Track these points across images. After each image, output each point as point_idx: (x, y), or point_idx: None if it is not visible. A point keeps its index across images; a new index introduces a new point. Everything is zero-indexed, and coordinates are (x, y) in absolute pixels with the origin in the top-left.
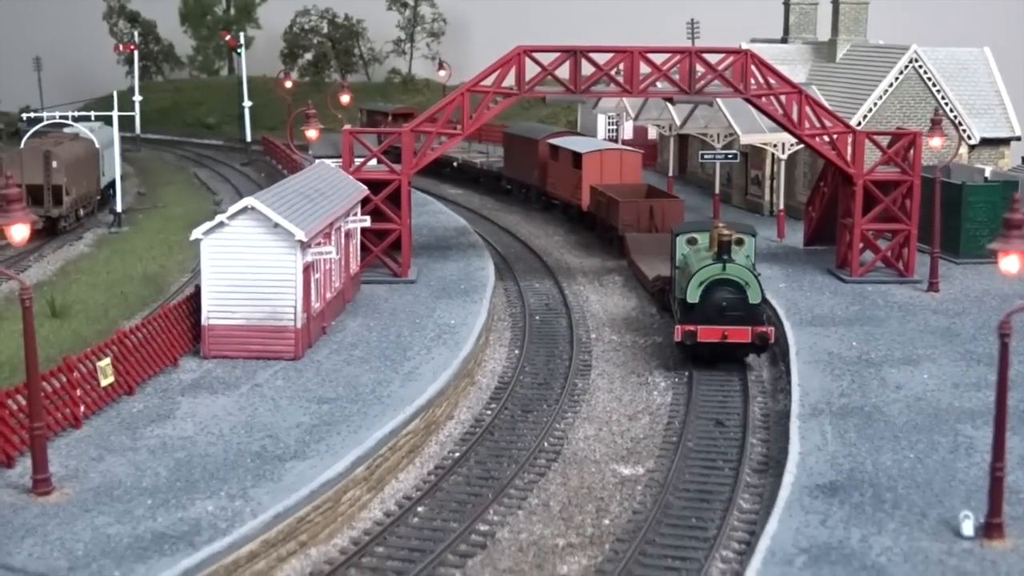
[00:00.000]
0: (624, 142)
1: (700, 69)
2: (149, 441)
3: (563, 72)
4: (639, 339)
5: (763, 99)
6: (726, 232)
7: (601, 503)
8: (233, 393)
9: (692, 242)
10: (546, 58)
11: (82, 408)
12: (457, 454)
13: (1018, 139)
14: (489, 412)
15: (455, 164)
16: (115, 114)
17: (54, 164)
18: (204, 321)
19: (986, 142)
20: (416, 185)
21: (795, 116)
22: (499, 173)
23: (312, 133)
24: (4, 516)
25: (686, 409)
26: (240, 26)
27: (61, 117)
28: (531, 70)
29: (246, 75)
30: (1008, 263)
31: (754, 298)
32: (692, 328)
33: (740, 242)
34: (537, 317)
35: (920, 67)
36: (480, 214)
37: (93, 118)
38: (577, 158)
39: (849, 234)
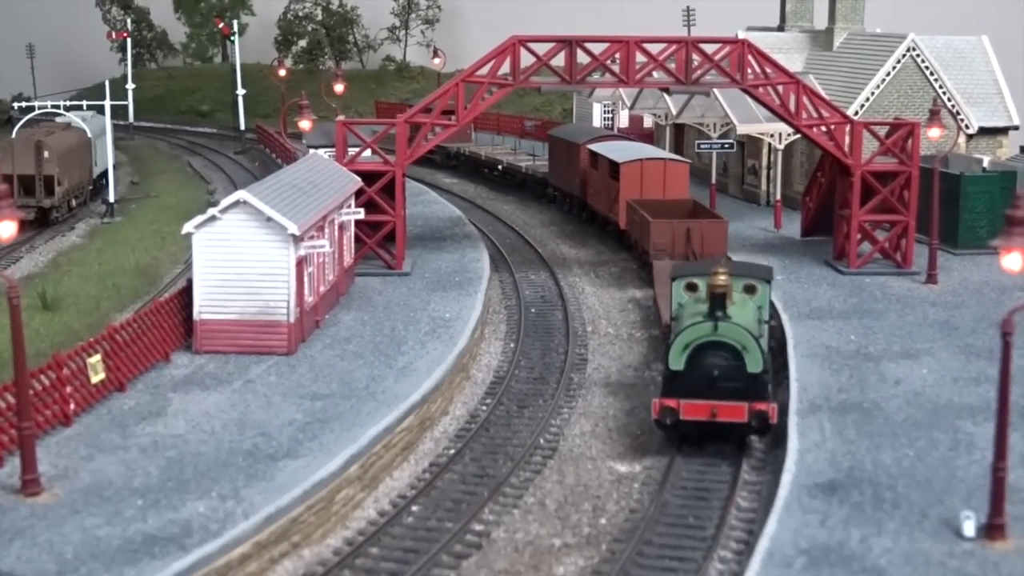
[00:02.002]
0: (620, 131)
1: (696, 59)
2: (140, 439)
3: (558, 62)
4: (635, 332)
5: (760, 89)
6: (721, 281)
7: (598, 502)
8: (225, 389)
9: (692, 288)
10: (541, 48)
11: (72, 405)
12: (452, 451)
13: (1016, 128)
14: (484, 408)
15: (500, 168)
16: (107, 103)
17: (46, 154)
18: (196, 316)
19: (984, 131)
20: (410, 174)
21: (792, 106)
22: (544, 179)
23: (305, 124)
24: None
25: None
26: (234, 13)
27: (53, 106)
28: (526, 60)
29: (240, 62)
30: (1010, 260)
31: (753, 366)
32: (672, 403)
33: (751, 290)
34: (533, 310)
35: (918, 56)
36: (475, 203)
37: (85, 107)
38: (614, 167)
39: (847, 225)
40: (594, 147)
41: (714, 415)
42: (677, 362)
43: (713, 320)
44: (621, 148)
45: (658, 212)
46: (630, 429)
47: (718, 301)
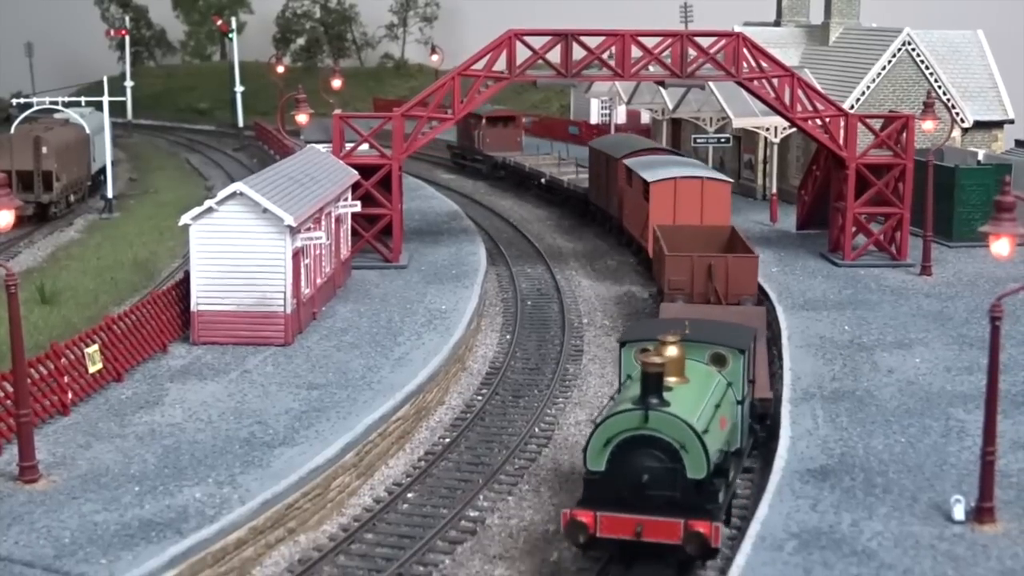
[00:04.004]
0: (617, 127)
1: (692, 52)
2: (137, 428)
3: (554, 56)
4: (631, 323)
5: (755, 82)
6: (654, 359)
7: None
8: (222, 379)
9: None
10: (537, 42)
11: (70, 395)
12: (447, 440)
13: (1011, 122)
14: (480, 398)
15: (542, 181)
16: (105, 99)
17: (44, 150)
18: (193, 307)
19: (979, 125)
20: (409, 170)
21: (787, 99)
22: (585, 195)
23: (302, 118)
24: None
25: None
26: (232, 11)
27: (51, 103)
28: (522, 54)
29: (238, 60)
30: (999, 246)
31: (695, 470)
32: (586, 517)
33: (719, 361)
34: (529, 302)
35: (913, 50)
36: (472, 198)
37: (83, 104)
38: (646, 186)
39: (842, 218)
40: (630, 162)
41: (639, 534)
42: (597, 461)
43: (643, 409)
44: (658, 164)
45: (680, 242)
46: None
47: (652, 383)
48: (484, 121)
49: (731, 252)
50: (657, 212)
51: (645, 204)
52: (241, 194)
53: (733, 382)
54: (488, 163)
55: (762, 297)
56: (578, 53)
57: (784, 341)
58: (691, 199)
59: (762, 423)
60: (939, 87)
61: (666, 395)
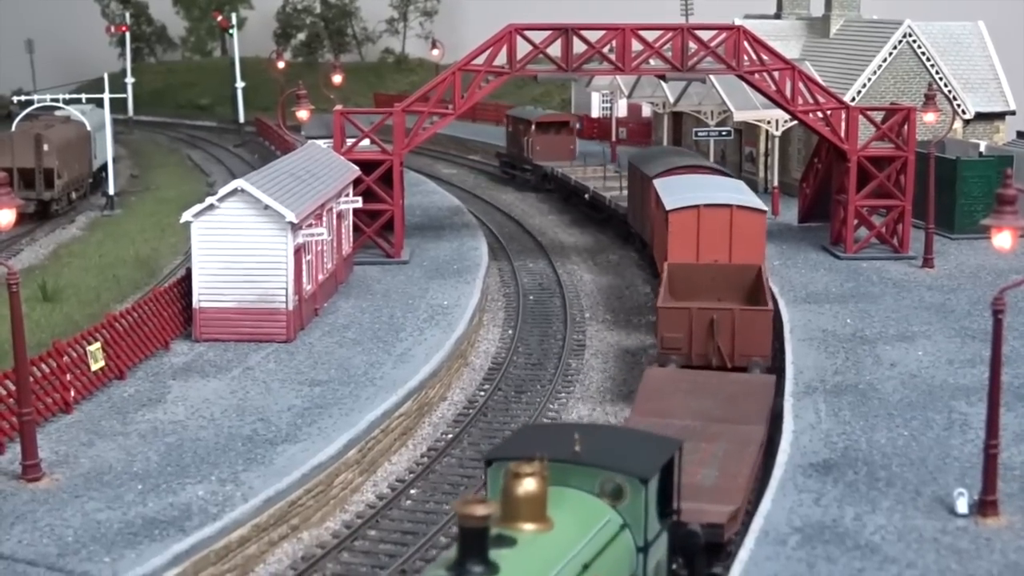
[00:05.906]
0: (618, 120)
1: (692, 46)
2: (140, 426)
3: (555, 50)
4: (633, 318)
5: (756, 76)
6: (479, 512)
7: None
8: (224, 376)
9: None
10: (537, 36)
11: (72, 393)
12: (450, 436)
13: (1013, 113)
14: (482, 393)
15: (586, 196)
16: (106, 96)
17: (45, 147)
18: (195, 304)
19: (980, 116)
20: (410, 165)
21: (788, 92)
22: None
23: (303, 114)
24: None
25: None
26: (232, 6)
27: (52, 100)
28: (523, 48)
29: (239, 56)
30: (1001, 239)
31: None
32: None
33: (614, 493)
34: (531, 297)
35: (914, 42)
36: (474, 193)
37: (84, 100)
38: (666, 215)
39: (843, 210)
40: (659, 182)
41: None
42: None
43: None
44: (687, 186)
45: (690, 285)
46: (626, 414)
47: (470, 544)
48: (533, 127)
49: (756, 299)
50: (677, 246)
51: (667, 234)
52: (242, 191)
53: (631, 522)
54: (537, 173)
55: (775, 363)
56: (578, 47)
57: (786, 335)
58: (717, 231)
59: (714, 557)
60: (940, 79)
61: (505, 553)
